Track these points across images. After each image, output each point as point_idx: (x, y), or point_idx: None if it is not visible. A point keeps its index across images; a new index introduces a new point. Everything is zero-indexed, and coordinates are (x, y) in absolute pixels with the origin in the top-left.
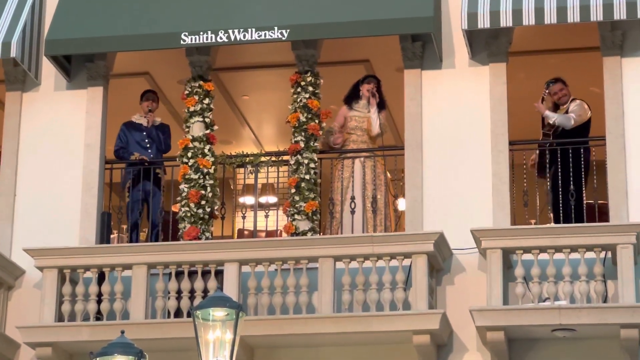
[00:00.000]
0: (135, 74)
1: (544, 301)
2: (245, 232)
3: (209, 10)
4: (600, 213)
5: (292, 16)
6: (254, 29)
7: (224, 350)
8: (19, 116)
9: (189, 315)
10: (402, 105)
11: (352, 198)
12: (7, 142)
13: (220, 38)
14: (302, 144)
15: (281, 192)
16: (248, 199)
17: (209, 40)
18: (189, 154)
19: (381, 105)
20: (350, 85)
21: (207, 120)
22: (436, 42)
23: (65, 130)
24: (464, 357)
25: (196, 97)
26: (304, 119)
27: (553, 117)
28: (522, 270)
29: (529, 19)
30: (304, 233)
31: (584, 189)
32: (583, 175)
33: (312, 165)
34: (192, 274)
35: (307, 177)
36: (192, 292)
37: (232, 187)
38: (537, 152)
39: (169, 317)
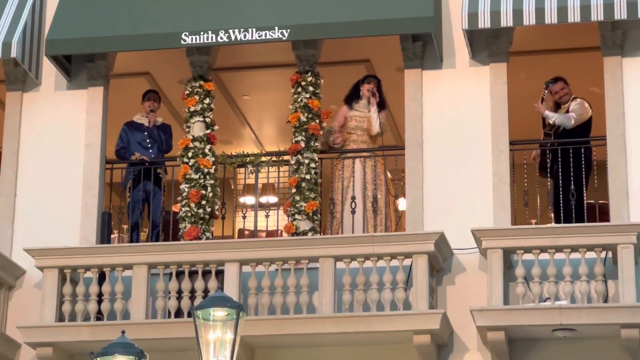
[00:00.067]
0: (136, 74)
1: (544, 301)
2: (246, 232)
3: (209, 10)
4: (600, 213)
5: (292, 16)
6: (254, 29)
7: (225, 350)
8: (19, 116)
9: (189, 315)
10: (403, 105)
11: (353, 198)
12: (7, 142)
13: (221, 38)
14: (302, 144)
15: (282, 192)
16: (248, 199)
17: (210, 40)
18: (190, 154)
19: (381, 105)
20: (350, 85)
21: (207, 120)
22: (437, 42)
23: (65, 130)
24: (465, 357)
25: (197, 97)
26: (305, 119)
27: (553, 117)
28: (522, 270)
29: (529, 18)
30: (305, 233)
31: (584, 189)
32: (584, 175)
33: (312, 165)
34: (192, 274)
35: (308, 177)
36: (192, 292)
37: (232, 187)
38: (539, 151)
39: (169, 317)
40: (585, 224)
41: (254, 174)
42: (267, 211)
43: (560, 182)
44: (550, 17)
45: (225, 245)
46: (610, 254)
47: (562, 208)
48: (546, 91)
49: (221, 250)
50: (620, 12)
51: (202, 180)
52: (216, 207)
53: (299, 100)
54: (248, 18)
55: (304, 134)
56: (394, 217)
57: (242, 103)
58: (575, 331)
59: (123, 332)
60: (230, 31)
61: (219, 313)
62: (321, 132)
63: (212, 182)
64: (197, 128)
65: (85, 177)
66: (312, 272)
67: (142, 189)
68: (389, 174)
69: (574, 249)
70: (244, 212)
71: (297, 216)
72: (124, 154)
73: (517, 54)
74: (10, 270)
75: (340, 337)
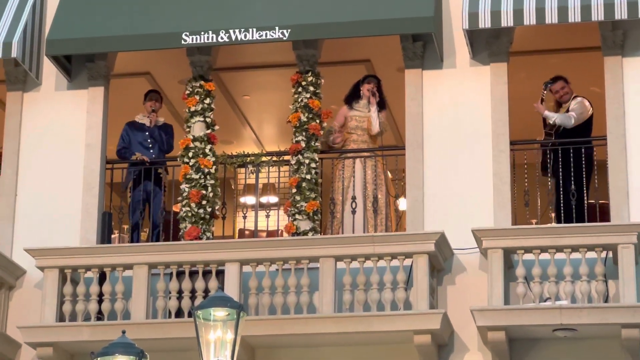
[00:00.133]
0: (136, 74)
1: (545, 301)
2: (246, 232)
3: (209, 10)
4: (601, 213)
5: (292, 16)
6: (254, 29)
7: (225, 350)
8: (19, 116)
9: (190, 315)
10: (403, 105)
11: (353, 198)
12: (8, 142)
13: (221, 38)
14: (303, 144)
15: (282, 192)
16: (249, 199)
17: (210, 40)
18: (190, 154)
19: (381, 105)
20: (351, 85)
21: (208, 120)
22: (437, 42)
23: (66, 130)
24: (465, 357)
25: (197, 97)
26: (305, 119)
27: (553, 117)
28: (523, 270)
29: (530, 18)
30: (305, 233)
31: (585, 188)
32: (584, 175)
33: (313, 165)
34: (193, 274)
35: (308, 177)
36: (193, 292)
37: (233, 187)
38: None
39: (170, 317)
40: (586, 224)
41: (255, 174)
42: (268, 211)
43: (561, 182)
44: (551, 17)
45: (226, 245)
46: (610, 254)
47: (562, 208)
48: (545, 91)
49: (222, 250)
50: (621, 12)
51: (202, 180)
52: (217, 207)
53: (299, 100)
54: (248, 18)
55: (304, 134)
56: (395, 217)
57: (242, 103)
58: (575, 331)
59: (123, 332)
60: (231, 31)
61: (219, 313)
62: (321, 132)
63: (212, 182)
64: (198, 128)
65: (86, 177)
66: (312, 272)
67: (142, 189)
68: (389, 174)
69: (575, 248)
70: (245, 212)
71: (297, 216)
72: (125, 154)
73: (518, 54)
74: (10, 270)
75: (340, 337)
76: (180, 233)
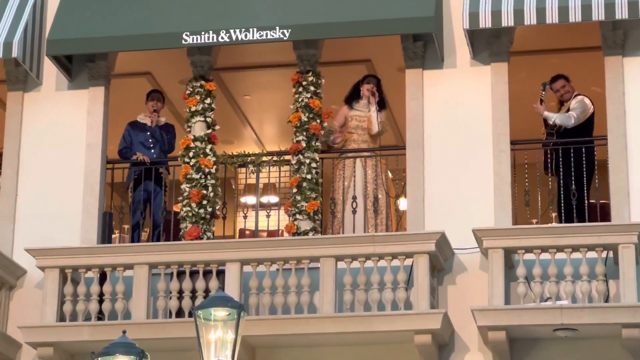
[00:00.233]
0: (137, 74)
1: (545, 301)
2: (247, 232)
3: (210, 10)
4: (602, 213)
5: (293, 16)
6: (255, 29)
7: (226, 350)
8: (20, 116)
9: (190, 315)
10: (404, 105)
11: (354, 198)
12: (8, 142)
13: (222, 38)
14: (303, 144)
15: (282, 192)
16: (249, 199)
17: (211, 40)
18: (191, 154)
19: (381, 105)
20: (351, 85)
21: (208, 120)
22: (437, 41)
23: (66, 130)
24: (466, 356)
25: (198, 97)
26: (306, 119)
27: (553, 117)
28: (523, 269)
29: (530, 18)
30: (306, 233)
31: (585, 188)
32: (585, 175)
33: (313, 164)
34: (193, 274)
35: (309, 176)
36: (193, 292)
37: (233, 186)
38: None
39: (170, 317)
40: (586, 223)
41: (255, 173)
42: (268, 211)
43: (562, 181)
44: (551, 16)
45: (226, 245)
46: (611, 254)
47: (563, 208)
48: (543, 92)
49: (222, 250)
50: (621, 12)
51: (203, 180)
52: (217, 207)
53: (299, 100)
54: (249, 18)
55: (305, 133)
56: (395, 217)
57: (243, 103)
58: (576, 331)
59: (124, 332)
60: (231, 31)
61: (220, 313)
62: (322, 132)
63: (213, 182)
64: (198, 128)
65: (86, 177)
66: (313, 272)
67: (143, 188)
68: (389, 174)
69: (575, 248)
70: (245, 212)
71: (298, 216)
72: (126, 153)
73: (518, 54)
74: (11, 270)
75: (341, 337)
76: (180, 233)
